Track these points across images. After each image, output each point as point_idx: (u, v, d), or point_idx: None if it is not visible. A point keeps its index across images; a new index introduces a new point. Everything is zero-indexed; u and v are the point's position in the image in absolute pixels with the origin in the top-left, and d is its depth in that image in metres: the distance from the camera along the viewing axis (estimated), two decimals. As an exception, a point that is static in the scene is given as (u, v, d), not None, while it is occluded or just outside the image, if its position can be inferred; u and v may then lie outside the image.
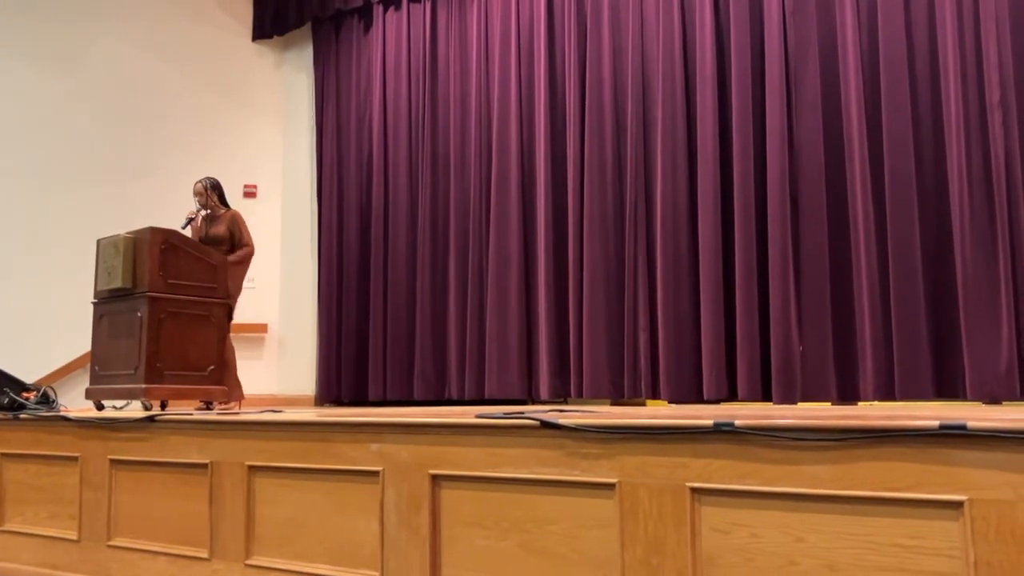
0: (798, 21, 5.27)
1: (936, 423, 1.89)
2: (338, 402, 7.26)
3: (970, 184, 4.65)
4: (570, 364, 5.92)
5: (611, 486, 2.28)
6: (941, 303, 4.77)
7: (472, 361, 6.42)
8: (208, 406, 4.81)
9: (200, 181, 5.54)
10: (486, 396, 6.24)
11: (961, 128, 4.69)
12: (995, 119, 4.60)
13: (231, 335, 5.43)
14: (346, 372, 7.22)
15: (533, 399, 6.11)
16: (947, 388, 4.73)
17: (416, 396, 6.71)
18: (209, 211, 5.49)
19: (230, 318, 5.32)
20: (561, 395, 6.01)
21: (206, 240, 5.33)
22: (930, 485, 1.88)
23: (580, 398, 5.85)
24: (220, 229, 5.40)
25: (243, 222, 5.50)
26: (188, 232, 5.37)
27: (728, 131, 5.45)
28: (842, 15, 5.12)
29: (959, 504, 1.84)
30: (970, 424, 1.85)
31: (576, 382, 5.87)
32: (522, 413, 2.57)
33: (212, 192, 5.52)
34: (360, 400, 7.10)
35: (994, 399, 4.49)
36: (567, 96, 6.15)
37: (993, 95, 4.62)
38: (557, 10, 6.32)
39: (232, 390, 5.25)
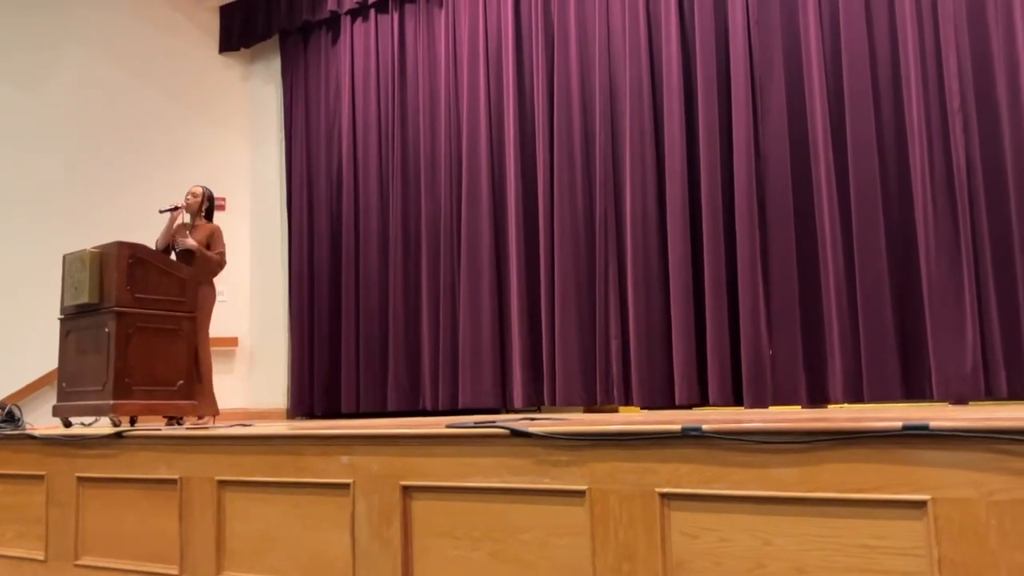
0: (762, 31, 5.33)
1: (899, 424, 1.91)
2: (311, 415, 7.21)
3: (933, 188, 4.72)
4: (543, 372, 5.92)
5: (581, 493, 2.29)
6: (907, 306, 4.83)
7: (445, 371, 6.41)
8: (178, 421, 4.76)
9: (201, 186, 5.59)
10: (460, 406, 6.23)
11: (923, 133, 4.76)
12: (956, 124, 4.68)
13: (211, 348, 5.38)
14: (318, 384, 7.18)
15: (507, 408, 6.11)
16: (914, 389, 4.78)
17: (390, 407, 6.68)
18: (190, 218, 5.44)
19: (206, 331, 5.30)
20: (535, 403, 6.01)
21: (180, 246, 5.29)
22: (894, 485, 1.91)
23: (554, 406, 5.86)
24: (198, 239, 5.35)
25: (221, 236, 5.47)
26: (166, 218, 5.35)
27: (695, 139, 5.49)
28: (805, 24, 5.19)
29: (923, 504, 1.87)
30: (932, 424, 1.88)
31: (549, 390, 5.87)
32: (492, 422, 2.58)
33: (205, 202, 5.54)
34: (333, 412, 7.05)
35: (960, 399, 4.55)
36: (535, 105, 6.17)
37: (954, 101, 4.70)
38: (524, 20, 6.35)
39: (207, 405, 5.18)
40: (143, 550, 3.32)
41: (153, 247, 5.09)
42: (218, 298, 5.54)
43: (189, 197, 5.48)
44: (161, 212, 5.37)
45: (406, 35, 7.06)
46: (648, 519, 2.18)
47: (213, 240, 5.41)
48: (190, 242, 5.27)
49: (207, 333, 5.33)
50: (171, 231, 5.38)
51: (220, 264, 5.42)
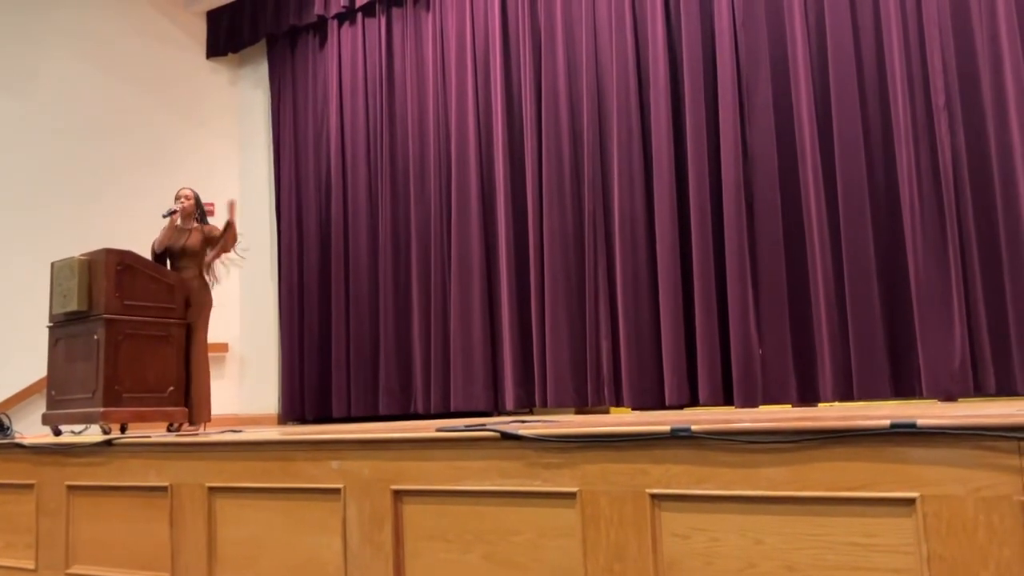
0: (748, 31, 5.35)
1: (887, 422, 1.92)
2: (302, 420, 7.20)
3: (920, 186, 4.74)
4: (534, 374, 5.92)
5: (572, 495, 2.29)
6: (895, 303, 4.85)
7: (437, 374, 6.40)
8: (177, 428, 4.73)
9: (189, 188, 5.46)
10: (452, 409, 6.22)
11: (909, 131, 4.78)
12: (941, 122, 4.70)
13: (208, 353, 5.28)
14: (310, 389, 7.16)
15: (499, 410, 6.11)
16: (904, 387, 4.80)
17: (381, 411, 6.67)
18: (182, 221, 5.38)
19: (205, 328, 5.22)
20: (526, 406, 6.01)
21: (178, 251, 5.23)
22: (883, 483, 1.92)
23: (545, 407, 5.86)
24: (193, 241, 5.27)
25: (212, 229, 5.39)
26: (164, 222, 5.30)
27: (682, 140, 5.50)
28: (791, 24, 5.21)
29: (911, 501, 1.88)
30: (920, 422, 1.89)
31: (540, 392, 5.88)
32: (483, 425, 2.58)
33: (197, 204, 5.44)
34: (325, 417, 7.04)
35: (949, 396, 4.57)
36: (523, 108, 6.18)
37: (939, 98, 4.72)
38: (511, 24, 6.36)
39: (201, 411, 5.06)
40: (134, 558, 3.31)
41: (141, 252, 5.01)
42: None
43: (184, 200, 5.39)
44: (164, 216, 5.32)
45: (393, 39, 7.06)
46: (639, 520, 2.18)
47: (210, 234, 5.34)
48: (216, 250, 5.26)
49: (204, 338, 5.22)
50: (168, 236, 5.34)
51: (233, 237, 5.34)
